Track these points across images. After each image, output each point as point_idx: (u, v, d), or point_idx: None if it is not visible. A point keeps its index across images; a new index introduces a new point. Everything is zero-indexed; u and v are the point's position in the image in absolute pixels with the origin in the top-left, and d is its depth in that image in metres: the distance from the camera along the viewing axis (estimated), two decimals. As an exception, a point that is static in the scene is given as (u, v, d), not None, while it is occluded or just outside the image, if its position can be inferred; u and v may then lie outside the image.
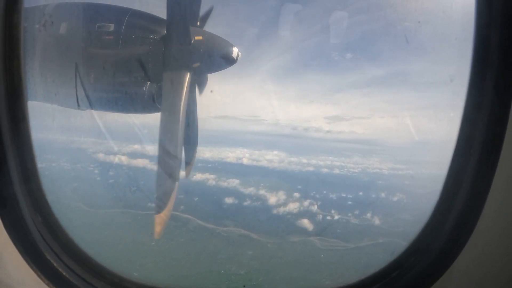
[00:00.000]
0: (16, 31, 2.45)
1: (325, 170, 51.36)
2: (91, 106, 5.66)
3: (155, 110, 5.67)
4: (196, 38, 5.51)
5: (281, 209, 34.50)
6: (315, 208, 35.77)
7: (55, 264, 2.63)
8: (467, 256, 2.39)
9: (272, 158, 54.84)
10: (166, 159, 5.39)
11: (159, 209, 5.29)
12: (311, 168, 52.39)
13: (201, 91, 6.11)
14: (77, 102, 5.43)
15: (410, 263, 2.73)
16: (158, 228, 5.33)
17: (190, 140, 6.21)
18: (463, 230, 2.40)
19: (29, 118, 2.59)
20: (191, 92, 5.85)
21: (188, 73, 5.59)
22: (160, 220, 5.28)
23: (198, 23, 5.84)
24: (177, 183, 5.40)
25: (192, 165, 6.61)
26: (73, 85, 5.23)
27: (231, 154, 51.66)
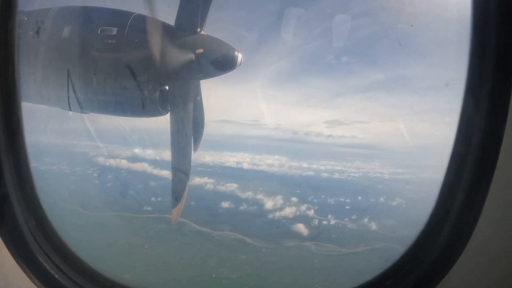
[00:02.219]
0: (11, 36, 2.46)
1: (325, 174, 51.19)
2: (93, 109, 5.79)
3: (158, 114, 5.74)
4: (199, 42, 5.57)
5: (277, 214, 34.38)
6: (311, 212, 35.58)
7: (48, 267, 2.62)
8: (464, 264, 2.32)
9: (272, 162, 54.78)
10: (178, 161, 6.01)
11: (176, 202, 6.26)
12: (311, 173, 52.23)
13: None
14: (74, 105, 5.49)
15: (405, 271, 2.63)
16: (174, 217, 6.65)
17: (198, 122, 6.47)
18: (460, 236, 2.35)
19: (23, 120, 2.58)
20: (196, 90, 6.07)
21: (191, 77, 5.73)
22: (176, 211, 6.43)
23: (198, 29, 5.83)
24: (188, 182, 6.41)
25: (199, 142, 6.87)
26: (75, 88, 5.29)
27: (231, 159, 51.71)
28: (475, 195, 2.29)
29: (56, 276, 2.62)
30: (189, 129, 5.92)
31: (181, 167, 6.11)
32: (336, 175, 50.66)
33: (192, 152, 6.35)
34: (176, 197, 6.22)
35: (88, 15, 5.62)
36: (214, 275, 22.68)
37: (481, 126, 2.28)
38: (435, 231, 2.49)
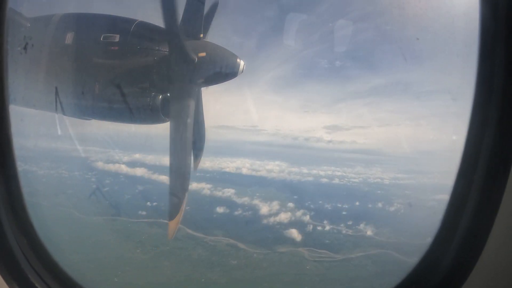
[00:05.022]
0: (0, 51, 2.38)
1: (324, 180, 50.88)
2: (95, 116, 5.82)
3: (160, 120, 5.72)
4: (201, 51, 5.54)
5: (272, 219, 34.14)
6: (307, 218, 35.30)
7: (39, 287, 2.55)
8: (477, 276, 2.17)
9: (272, 168, 54.68)
10: (177, 170, 5.65)
11: (172, 215, 5.72)
12: (310, 178, 51.98)
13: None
14: (76, 111, 5.57)
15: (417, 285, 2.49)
16: (171, 232, 5.92)
17: (199, 136, 6.37)
18: (471, 249, 2.20)
19: (12, 137, 2.50)
20: (198, 100, 5.99)
21: (193, 85, 5.69)
22: (173, 225, 5.81)
23: (202, 35, 5.88)
24: (187, 193, 5.81)
25: (199, 160, 6.69)
26: (78, 95, 5.34)
27: (231, 164, 51.73)
28: (486, 205, 2.16)
29: None
30: (189, 138, 5.70)
31: (179, 179, 5.78)
32: (336, 181, 50.38)
33: (192, 169, 6.09)
34: (174, 209, 5.77)
35: (91, 22, 5.67)
36: (203, 279, 22.65)
37: (492, 131, 2.17)
38: (442, 249, 2.38)
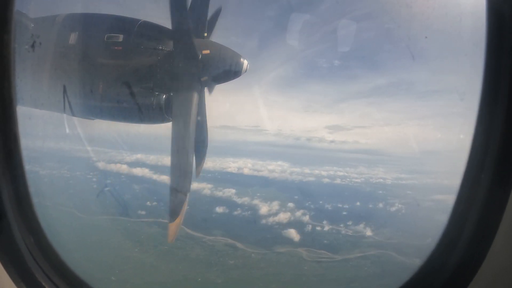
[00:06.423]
0: (6, 51, 2.40)
1: (326, 180, 50.85)
2: (99, 116, 5.87)
3: (163, 120, 5.72)
4: (204, 49, 5.55)
5: (271, 219, 34.14)
6: (306, 218, 35.31)
7: (46, 287, 2.56)
8: (480, 283, 2.14)
9: (274, 168, 54.56)
10: (178, 171, 5.61)
11: (173, 217, 5.67)
12: (311, 178, 51.92)
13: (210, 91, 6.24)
14: (80, 112, 5.58)
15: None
16: (172, 235, 5.86)
17: (201, 140, 6.37)
18: (477, 252, 2.17)
19: (19, 136, 2.49)
20: (200, 101, 5.95)
21: (197, 85, 5.68)
22: (173, 227, 5.74)
23: (206, 35, 5.96)
24: (188, 194, 5.76)
25: (202, 165, 6.79)
26: (81, 94, 5.37)
27: (233, 164, 51.58)
28: (492, 205, 2.14)
29: None
30: (191, 137, 5.74)
31: (181, 180, 5.76)
32: (338, 181, 50.32)
33: (194, 175, 6.16)
34: (175, 211, 5.77)
35: (94, 22, 5.69)
36: (200, 279, 22.69)
37: (499, 133, 2.14)
38: (450, 246, 2.35)
